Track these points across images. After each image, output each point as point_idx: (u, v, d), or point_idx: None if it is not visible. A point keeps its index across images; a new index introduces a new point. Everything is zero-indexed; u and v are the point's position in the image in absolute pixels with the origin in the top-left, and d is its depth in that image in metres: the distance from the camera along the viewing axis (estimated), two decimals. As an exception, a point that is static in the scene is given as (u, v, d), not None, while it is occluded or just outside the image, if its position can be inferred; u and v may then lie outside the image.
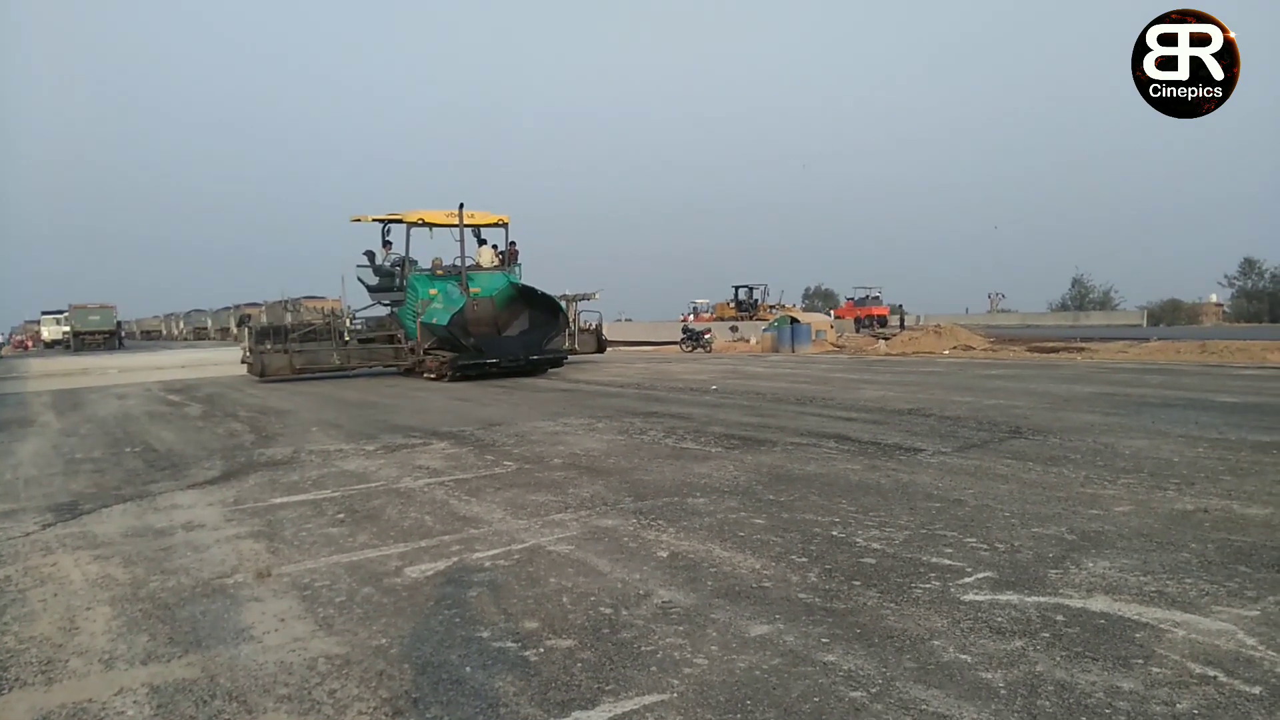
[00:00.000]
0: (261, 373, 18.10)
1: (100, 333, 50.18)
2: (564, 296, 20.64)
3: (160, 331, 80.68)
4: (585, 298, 22.24)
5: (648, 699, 2.79)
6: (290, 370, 18.28)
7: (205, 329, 67.97)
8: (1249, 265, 61.01)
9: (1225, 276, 62.19)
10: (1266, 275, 60.16)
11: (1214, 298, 59.79)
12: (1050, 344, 24.71)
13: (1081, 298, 66.54)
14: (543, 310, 19.02)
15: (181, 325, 75.62)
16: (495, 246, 20.18)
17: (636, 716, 2.68)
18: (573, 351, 20.95)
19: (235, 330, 56.10)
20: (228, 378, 20.01)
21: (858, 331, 39.46)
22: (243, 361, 19.47)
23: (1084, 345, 23.21)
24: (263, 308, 53.00)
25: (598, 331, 22.85)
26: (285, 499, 6.21)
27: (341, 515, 5.62)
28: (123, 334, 54.98)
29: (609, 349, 24.77)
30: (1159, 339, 25.10)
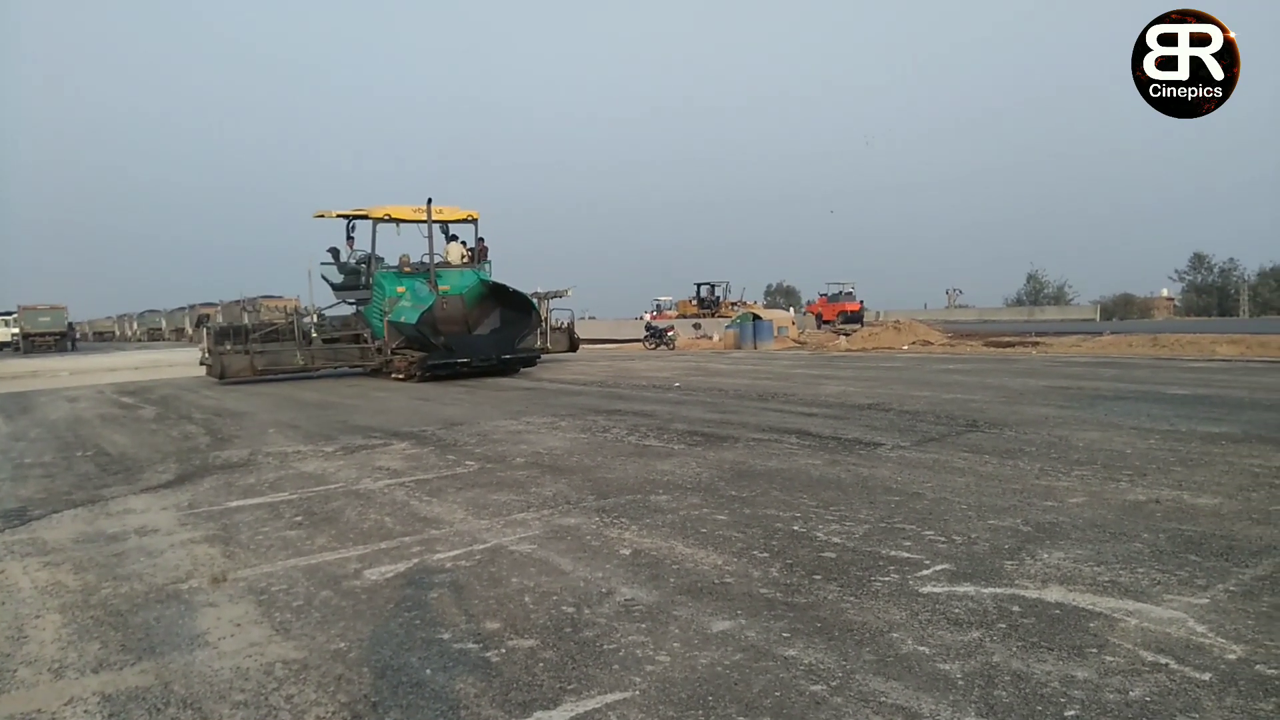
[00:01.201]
0: (221, 374, 17.60)
1: (51, 334, 48.98)
2: (536, 294, 20.24)
3: (113, 333, 78.96)
4: (557, 295, 21.78)
5: (610, 697, 2.79)
6: (251, 372, 17.74)
7: (160, 330, 66.65)
8: (1199, 260, 62.53)
9: (1176, 271, 63.70)
10: (1215, 270, 61.68)
11: (1165, 292, 61.19)
12: (1006, 339, 25.16)
13: (1036, 293, 67.75)
14: (514, 308, 18.53)
15: (135, 326, 74.06)
16: (464, 243, 19.75)
17: (599, 715, 2.68)
18: (545, 350, 20.47)
19: (191, 331, 55.11)
20: (183, 379, 19.65)
21: (819, 328, 39.79)
22: (201, 363, 18.88)
23: (1039, 340, 23.64)
24: (218, 307, 52.07)
25: (570, 330, 22.33)
26: (241, 502, 6.11)
27: (299, 518, 5.54)
28: (74, 335, 53.76)
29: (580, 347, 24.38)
30: (1112, 333, 25.62)
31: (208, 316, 45.86)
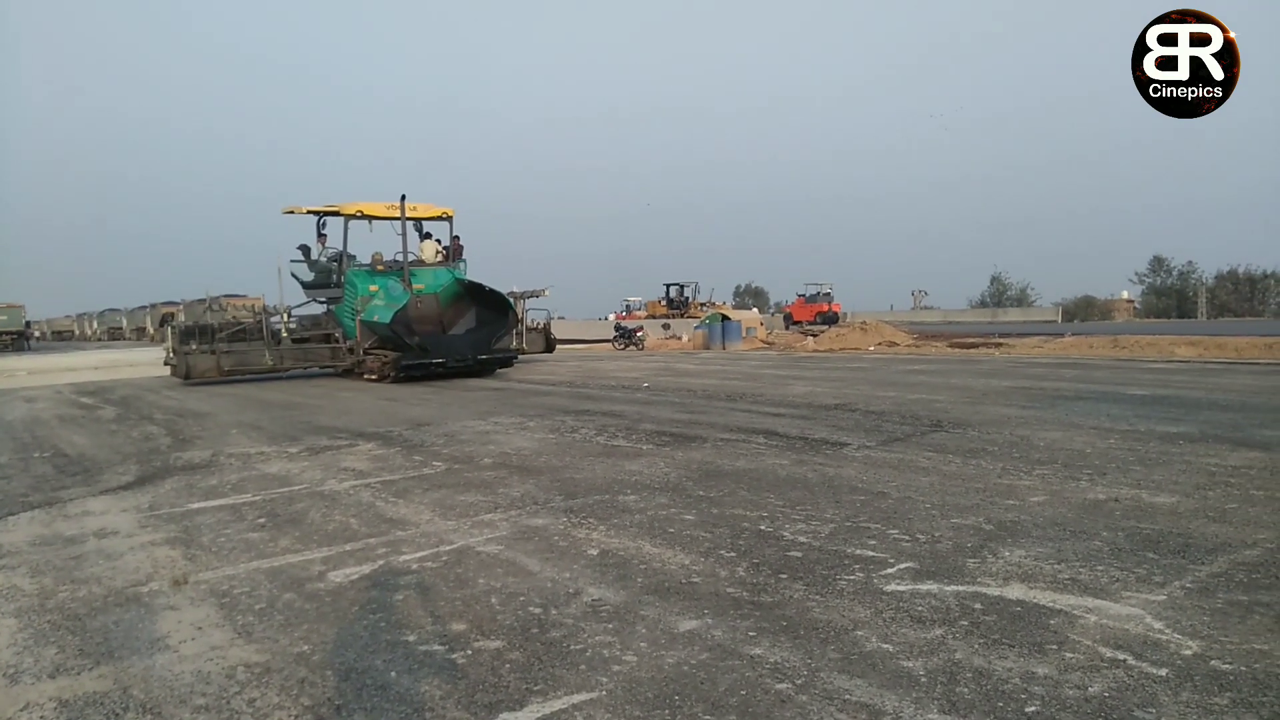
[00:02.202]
0: (186, 375, 17.05)
1: (7, 333, 48.00)
2: (512, 293, 19.64)
3: (72, 332, 77.50)
4: (534, 295, 21.36)
5: (576, 698, 2.79)
6: (218, 372, 17.23)
7: (120, 329, 65.57)
8: (1158, 263, 63.66)
9: (1136, 274, 64.81)
10: (1174, 273, 62.83)
11: (1125, 294, 62.18)
12: (970, 340, 25.48)
13: (1000, 295, 68.67)
14: (491, 308, 18.09)
15: (95, 325, 72.74)
16: (438, 241, 19.36)
17: (565, 715, 2.68)
18: (521, 351, 20.04)
19: (153, 330, 54.20)
20: (144, 379, 19.33)
21: (787, 329, 40.04)
22: (165, 363, 18.35)
23: (1002, 341, 23.97)
24: (181, 306, 51.27)
25: (546, 330, 21.88)
26: (203, 504, 6.02)
27: (262, 520, 5.48)
28: (32, 334, 52.69)
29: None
30: (1073, 334, 26.01)
31: (172, 315, 45.06)
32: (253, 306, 24.71)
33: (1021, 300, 65.77)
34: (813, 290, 49.39)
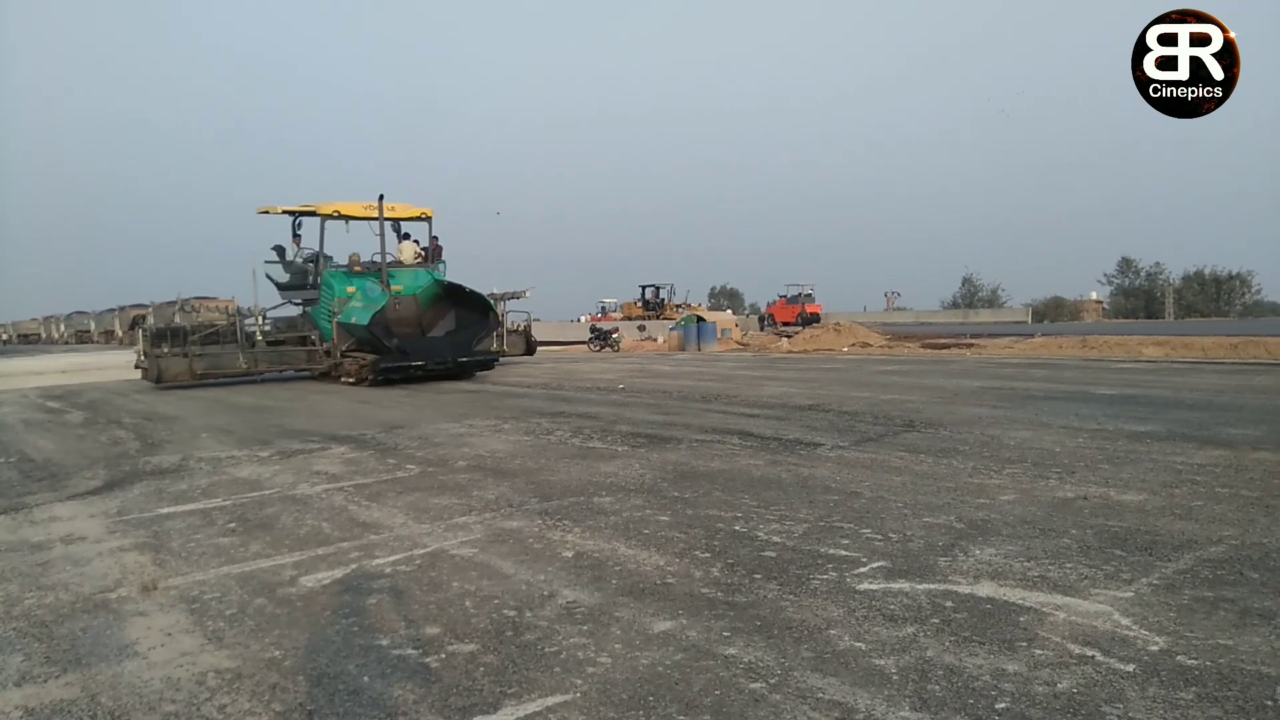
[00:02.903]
0: (158, 378, 16.61)
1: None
2: (493, 295, 19.28)
3: (39, 335, 76.11)
4: (515, 296, 21.06)
5: (551, 700, 2.78)
6: (191, 376, 16.79)
7: (88, 332, 64.50)
8: (1126, 264, 64.60)
9: (1104, 275, 65.73)
10: (1142, 274, 63.77)
11: (1094, 295, 63.00)
12: (942, 340, 25.71)
13: (971, 296, 69.47)
14: (471, 309, 17.78)
15: (62, 328, 71.50)
16: (417, 241, 19.04)
17: (539, 718, 2.67)
18: (501, 354, 19.56)
19: (121, 333, 53.39)
20: (112, 383, 19.06)
21: (762, 329, 40.19)
22: (136, 366, 17.89)
23: (973, 341, 24.21)
24: (150, 308, 50.54)
25: (527, 332, 21.60)
26: (173, 509, 5.95)
27: (233, 524, 5.42)
28: (-4, 338, 51.77)
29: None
30: (1043, 335, 26.35)
31: (142, 318, 44.33)
32: (226, 308, 24.19)
33: (992, 301, 66.54)
34: (794, 291, 49.64)
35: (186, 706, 2.85)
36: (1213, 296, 58.01)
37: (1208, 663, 2.89)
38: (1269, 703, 2.59)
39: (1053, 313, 57.98)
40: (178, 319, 19.14)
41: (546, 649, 3.21)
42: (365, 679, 3.00)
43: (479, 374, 18.02)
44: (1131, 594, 3.58)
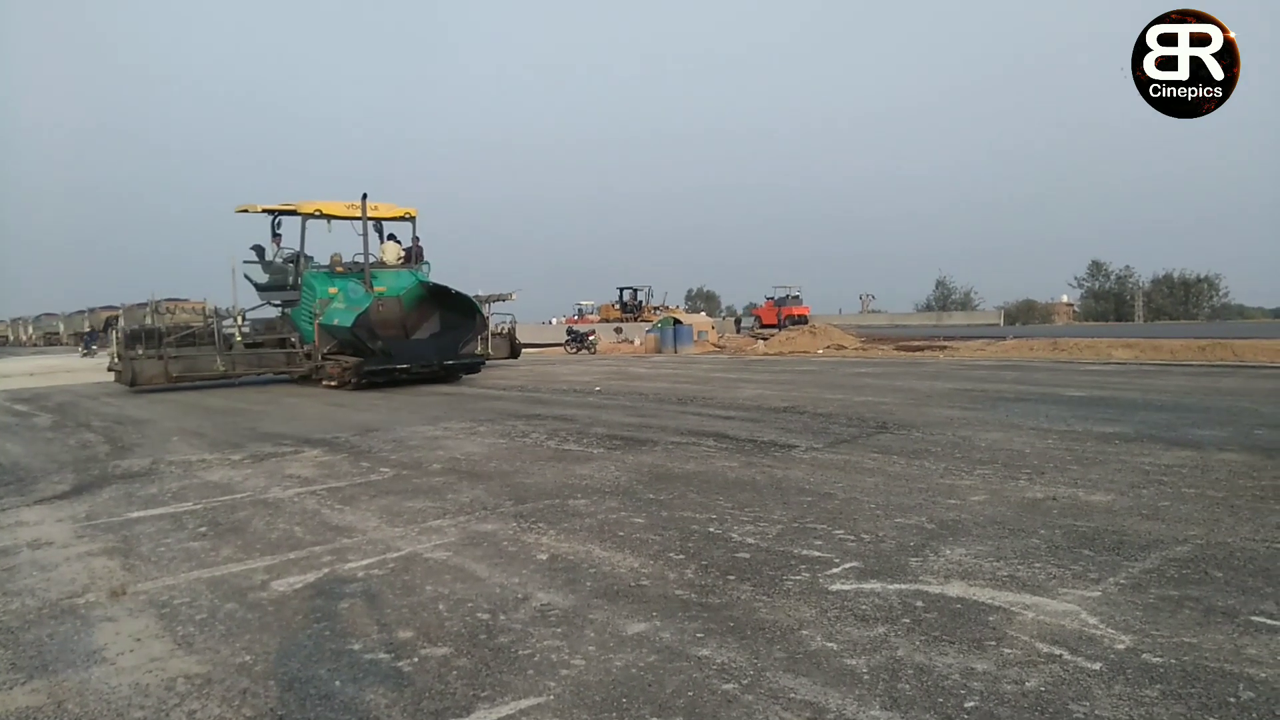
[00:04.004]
0: (132, 381, 15.99)
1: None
2: (477, 297, 18.72)
3: (6, 337, 74.93)
4: (500, 299, 20.57)
5: (524, 703, 2.78)
6: (166, 379, 16.21)
7: (57, 334, 63.51)
8: (1096, 267, 65.56)
9: (1075, 278, 66.67)
10: (1112, 277, 64.71)
11: (1065, 298, 63.92)
12: (916, 343, 25.91)
13: (944, 298, 70.24)
14: (456, 312, 17.42)
15: (30, 330, 70.42)
16: (398, 241, 18.66)
17: (512, 721, 2.67)
18: (486, 357, 19.12)
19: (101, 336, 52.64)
20: (82, 385, 18.80)
21: (738, 331, 40.33)
22: (109, 369, 17.42)
23: (946, 344, 24.41)
24: (121, 310, 49.84)
25: (511, 335, 21.20)
26: (142, 513, 5.88)
27: (204, 528, 5.37)
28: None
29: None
30: (1014, 337, 26.63)
31: (115, 319, 43.69)
32: (202, 310, 23.58)
33: (965, 304, 67.32)
34: (781, 293, 49.84)
35: (155, 712, 2.82)
36: (1181, 300, 58.96)
37: (1172, 660, 2.93)
38: (1231, 700, 2.64)
39: (1024, 315, 58.71)
40: (149, 320, 18.56)
41: (520, 652, 3.20)
42: (337, 683, 2.99)
43: (460, 377, 17.79)
44: (1099, 593, 3.64)
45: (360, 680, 3.01)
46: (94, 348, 40.53)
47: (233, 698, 2.91)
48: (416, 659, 3.17)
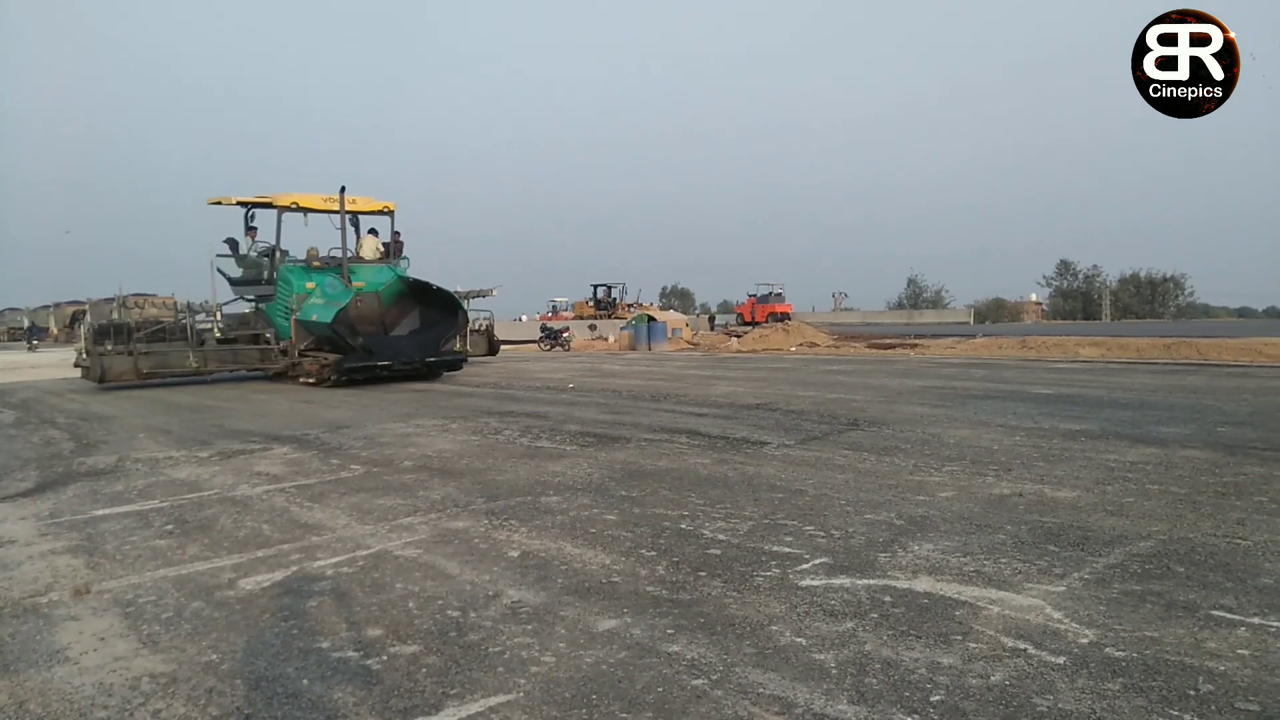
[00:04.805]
0: (101, 378, 15.53)
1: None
2: (457, 292, 18.36)
3: (-34, 333, 73.53)
4: (481, 295, 20.57)
5: (494, 700, 2.78)
6: (136, 375, 15.82)
7: (22, 329, 62.40)
8: (1065, 266, 66.46)
9: (1044, 277, 67.56)
10: (1080, 276, 65.62)
11: (1034, 297, 64.73)
12: (887, 340, 26.13)
13: (916, 297, 70.85)
14: (437, 308, 17.11)
15: (-8, 325, 69.13)
16: (373, 230, 18.42)
17: (481, 718, 2.66)
18: (466, 354, 18.76)
19: (56, 331, 51.81)
20: (47, 381, 18.51)
21: (712, 329, 40.44)
22: (76, 365, 17.05)
23: (917, 342, 24.63)
24: (87, 305, 48.98)
25: (489, 332, 20.96)
26: (108, 510, 5.80)
27: (170, 526, 5.30)
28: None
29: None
30: (984, 335, 26.92)
31: (82, 314, 42.87)
32: (170, 304, 22.99)
33: (936, 302, 67.99)
34: (764, 290, 50.02)
35: (119, 712, 2.79)
36: (1148, 299, 59.90)
37: (1134, 654, 2.98)
38: (1191, 692, 2.69)
39: (994, 314, 59.37)
40: (116, 316, 18.11)
41: (490, 649, 3.20)
42: (305, 682, 2.96)
43: (440, 374, 17.53)
44: (1063, 588, 3.69)
45: (328, 678, 2.99)
46: (35, 343, 40.43)
47: (198, 697, 2.88)
48: (385, 657, 3.16)
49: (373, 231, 18.54)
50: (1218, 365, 16.14)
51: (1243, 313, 70.78)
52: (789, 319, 43.64)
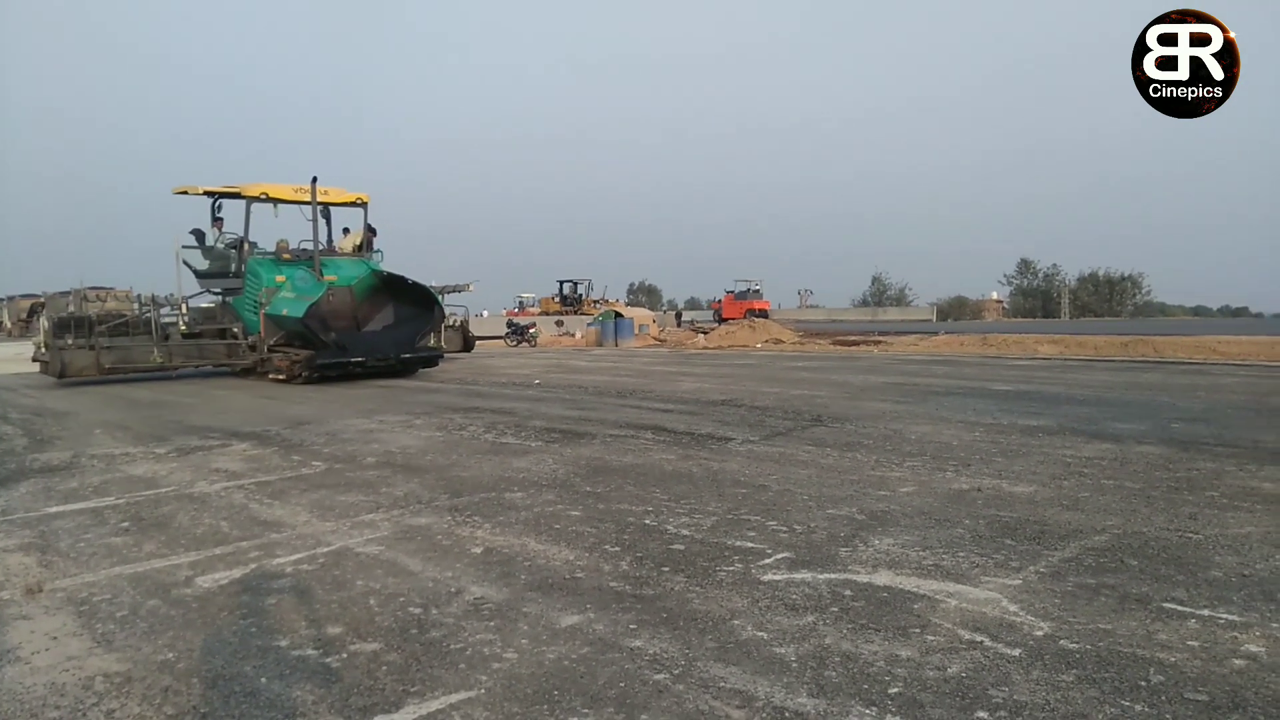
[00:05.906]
0: (61, 373, 15.15)
1: None
2: (432, 287, 17.89)
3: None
4: (456, 290, 20.11)
5: (455, 697, 2.77)
6: (97, 370, 15.34)
7: (-24, 322, 60.91)
8: (1025, 265, 67.55)
9: (1005, 275, 68.61)
10: (1040, 275, 66.69)
11: (995, 295, 65.60)
12: (851, 337, 26.38)
13: (880, 294, 71.60)
14: (412, 303, 16.63)
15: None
16: (347, 229, 18.01)
17: (442, 716, 2.65)
18: (441, 350, 18.26)
19: (10, 324, 50.66)
20: (1, 376, 18.06)
21: (678, 326, 40.54)
22: (35, 359, 16.53)
23: (880, 339, 24.92)
24: (43, 298, 47.89)
25: (464, 328, 20.53)
26: (62, 508, 5.69)
27: (126, 524, 5.21)
28: None
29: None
30: (946, 333, 27.24)
31: (41, 306, 41.90)
32: (137, 298, 22.40)
33: (900, 300, 68.76)
34: (742, 287, 50.21)
35: (71, 712, 2.74)
36: (1106, 297, 61.01)
37: (1088, 646, 3.04)
38: (1142, 683, 2.75)
39: (956, 311, 60.16)
40: (72, 309, 17.56)
41: (452, 646, 3.18)
42: (263, 680, 2.93)
43: (415, 371, 17.15)
44: (1020, 581, 3.75)
45: (287, 677, 2.96)
46: None
47: (154, 696, 2.83)
48: (345, 654, 3.13)
49: (346, 230, 18.19)
50: (1173, 363, 16.48)
51: (1198, 311, 72.41)
52: (767, 315, 43.85)
